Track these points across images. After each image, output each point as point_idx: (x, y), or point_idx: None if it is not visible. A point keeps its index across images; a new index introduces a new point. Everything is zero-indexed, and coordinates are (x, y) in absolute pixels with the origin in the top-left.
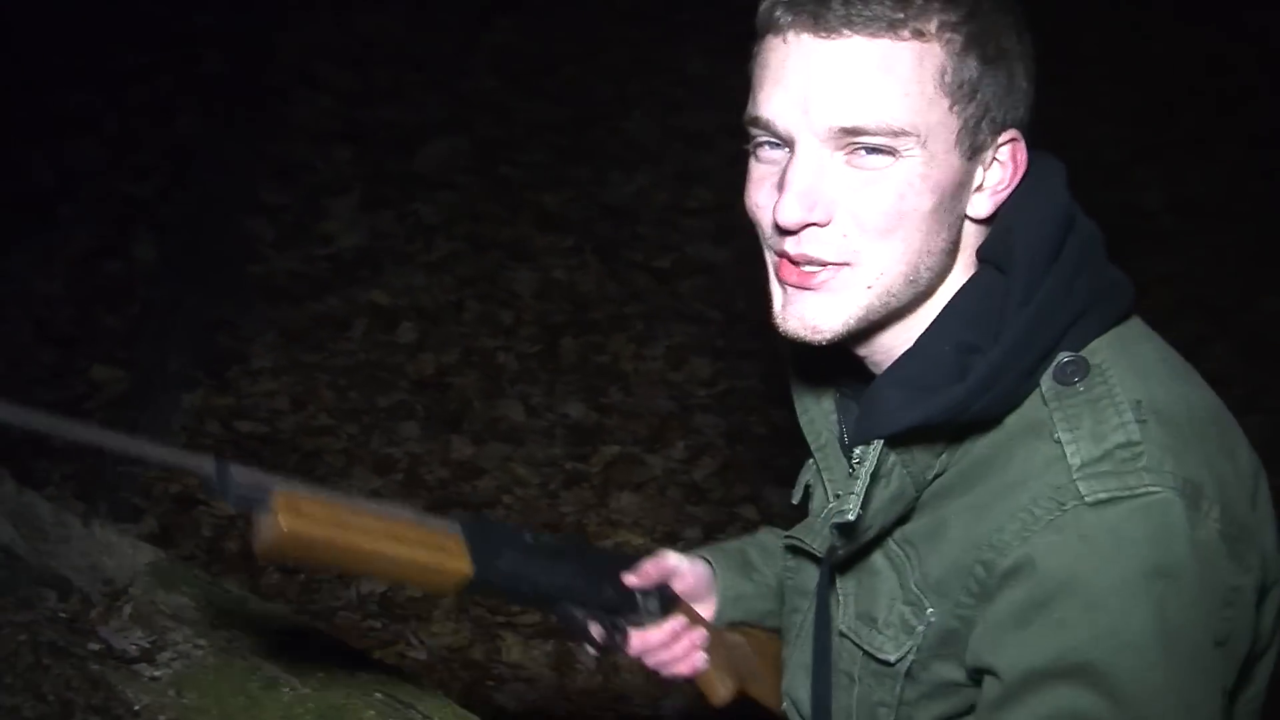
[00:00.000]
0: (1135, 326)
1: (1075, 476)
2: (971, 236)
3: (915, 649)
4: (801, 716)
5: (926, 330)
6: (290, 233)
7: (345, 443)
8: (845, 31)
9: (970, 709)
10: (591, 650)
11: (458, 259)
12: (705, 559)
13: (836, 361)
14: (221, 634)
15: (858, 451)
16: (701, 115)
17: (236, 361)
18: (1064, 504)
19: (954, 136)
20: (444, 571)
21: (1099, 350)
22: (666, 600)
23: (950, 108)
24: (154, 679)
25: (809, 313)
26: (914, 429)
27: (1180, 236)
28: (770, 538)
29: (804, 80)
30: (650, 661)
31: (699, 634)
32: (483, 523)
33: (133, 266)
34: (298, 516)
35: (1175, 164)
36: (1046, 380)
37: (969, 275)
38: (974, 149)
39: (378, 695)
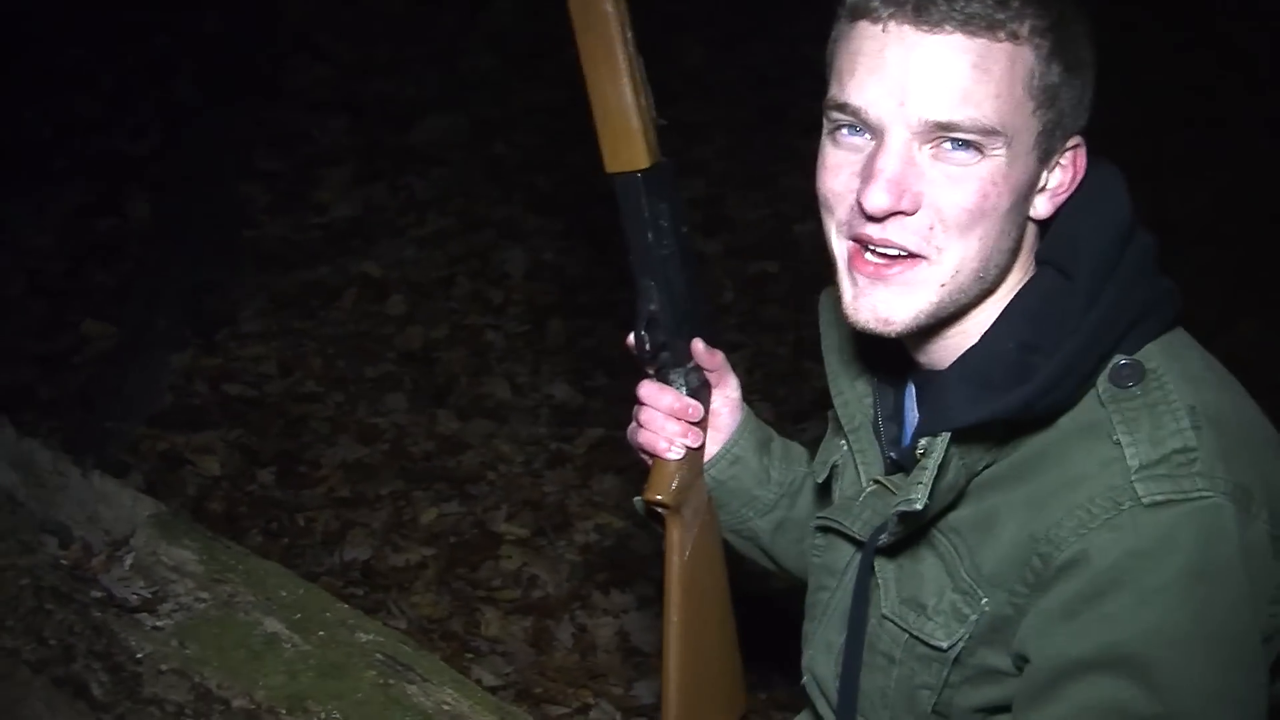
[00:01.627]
0: (1181, 335)
1: (1133, 478)
2: (1031, 236)
3: (966, 636)
4: (823, 693)
5: (990, 328)
6: (284, 200)
7: (331, 410)
8: (947, 27)
9: (1007, 700)
10: (630, 342)
11: (449, 235)
12: (746, 409)
13: (876, 349)
14: (224, 588)
15: (924, 442)
16: (697, 107)
17: (226, 324)
18: (1121, 504)
19: (1034, 139)
20: (630, 147)
21: (1152, 356)
22: (701, 388)
23: (1034, 111)
24: (156, 629)
25: (881, 305)
26: (979, 424)
27: (1165, 257)
28: (800, 449)
29: (902, 71)
30: (642, 416)
31: (697, 434)
32: (675, 176)
33: (126, 224)
34: None
35: (1162, 186)
36: (1103, 382)
37: (1027, 276)
38: (1047, 152)
39: (378, 656)
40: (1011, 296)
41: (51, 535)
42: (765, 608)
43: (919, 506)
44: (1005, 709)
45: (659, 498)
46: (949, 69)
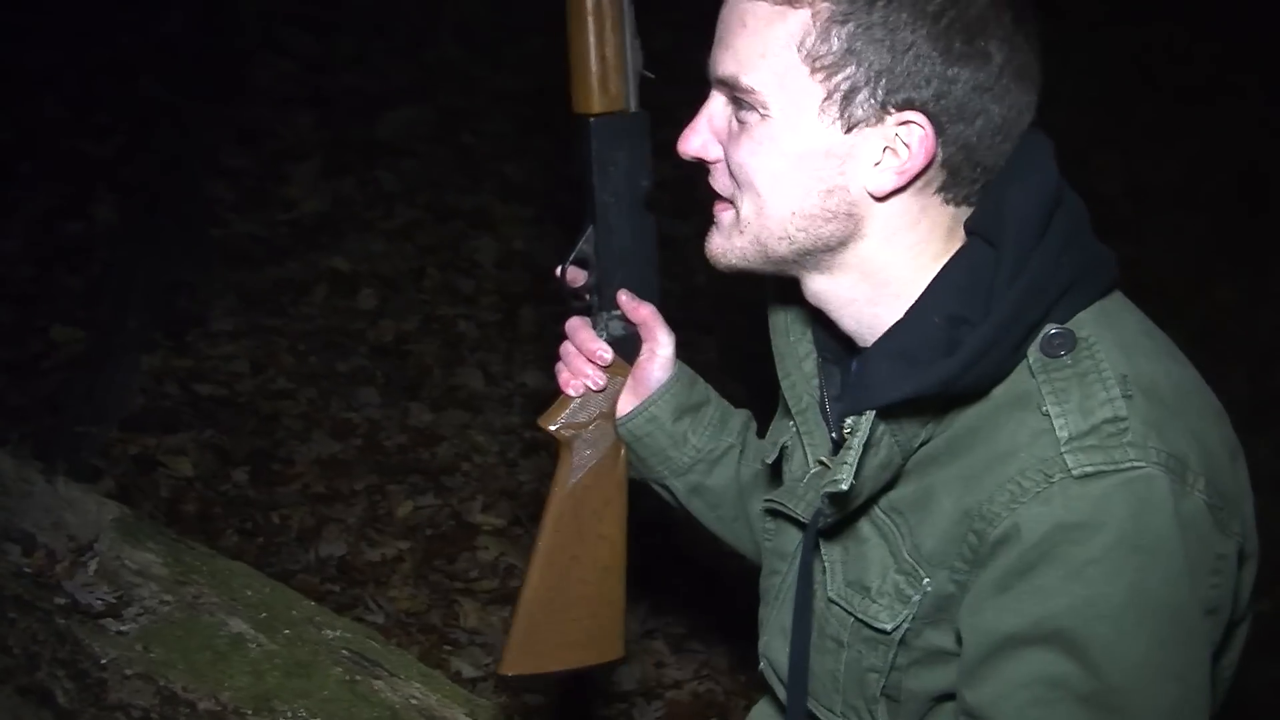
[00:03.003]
0: (1117, 300)
1: (1063, 450)
2: (891, 213)
3: (911, 617)
4: (779, 678)
5: (916, 302)
6: (251, 197)
7: (304, 407)
8: None
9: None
10: (557, 274)
11: (419, 227)
12: (678, 370)
13: (820, 328)
14: (188, 590)
15: (849, 421)
16: (665, 89)
17: (196, 324)
18: (1051, 476)
19: (817, 105)
20: (585, 91)
21: (1084, 324)
22: (628, 339)
23: (811, 75)
24: (121, 633)
25: (710, 242)
26: (906, 401)
27: (1137, 223)
28: (739, 420)
29: (715, 31)
30: (561, 348)
31: (600, 378)
32: (645, 128)
33: (93, 226)
34: None
35: (1134, 152)
36: (1034, 352)
37: (953, 250)
38: (849, 123)
39: (344, 653)
40: (939, 268)
41: (14, 543)
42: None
43: (844, 487)
44: (954, 697)
45: (549, 426)
46: (728, 27)
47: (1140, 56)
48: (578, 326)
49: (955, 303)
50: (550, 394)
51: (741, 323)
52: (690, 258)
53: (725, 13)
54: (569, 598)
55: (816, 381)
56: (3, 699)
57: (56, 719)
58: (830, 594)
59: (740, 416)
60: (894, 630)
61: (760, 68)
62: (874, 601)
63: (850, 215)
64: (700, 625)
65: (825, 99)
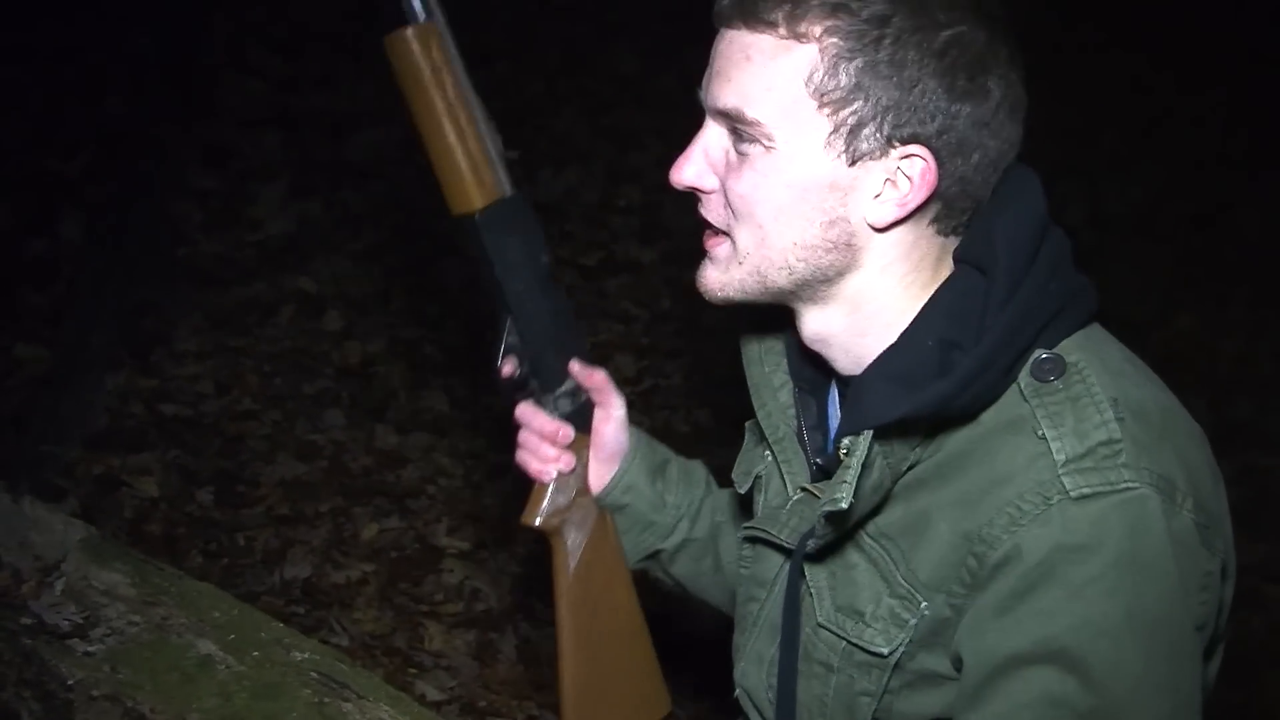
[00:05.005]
0: (1099, 330)
1: (1060, 472)
2: (888, 243)
3: (907, 641)
4: (755, 705)
5: (909, 327)
6: (218, 217)
7: (269, 428)
8: (735, 22)
9: (947, 709)
10: (492, 372)
11: (385, 249)
12: (634, 431)
13: (798, 357)
14: (156, 611)
15: (846, 442)
16: (632, 115)
17: (161, 344)
18: (1050, 499)
19: (823, 139)
20: (461, 191)
21: (1071, 350)
22: (578, 411)
23: (819, 109)
24: (88, 654)
25: (704, 275)
26: (901, 422)
27: (1101, 252)
28: (700, 470)
29: (710, 64)
30: (519, 438)
31: (569, 458)
32: (527, 207)
33: (58, 244)
34: (424, 47)
35: (1097, 182)
36: (1024, 377)
37: (941, 278)
38: (854, 156)
39: (313, 674)
40: (927, 297)
41: None
42: (692, 623)
43: (844, 505)
44: None
45: (534, 523)
46: (730, 61)
47: (1102, 86)
48: (531, 413)
49: (947, 328)
50: (518, 489)
51: (707, 348)
52: (655, 284)
53: (723, 46)
54: (606, 674)
55: (793, 411)
56: None
57: None
58: (819, 619)
59: (698, 466)
60: (890, 654)
61: (766, 101)
62: (869, 626)
63: (849, 246)
64: (664, 650)
65: (832, 132)
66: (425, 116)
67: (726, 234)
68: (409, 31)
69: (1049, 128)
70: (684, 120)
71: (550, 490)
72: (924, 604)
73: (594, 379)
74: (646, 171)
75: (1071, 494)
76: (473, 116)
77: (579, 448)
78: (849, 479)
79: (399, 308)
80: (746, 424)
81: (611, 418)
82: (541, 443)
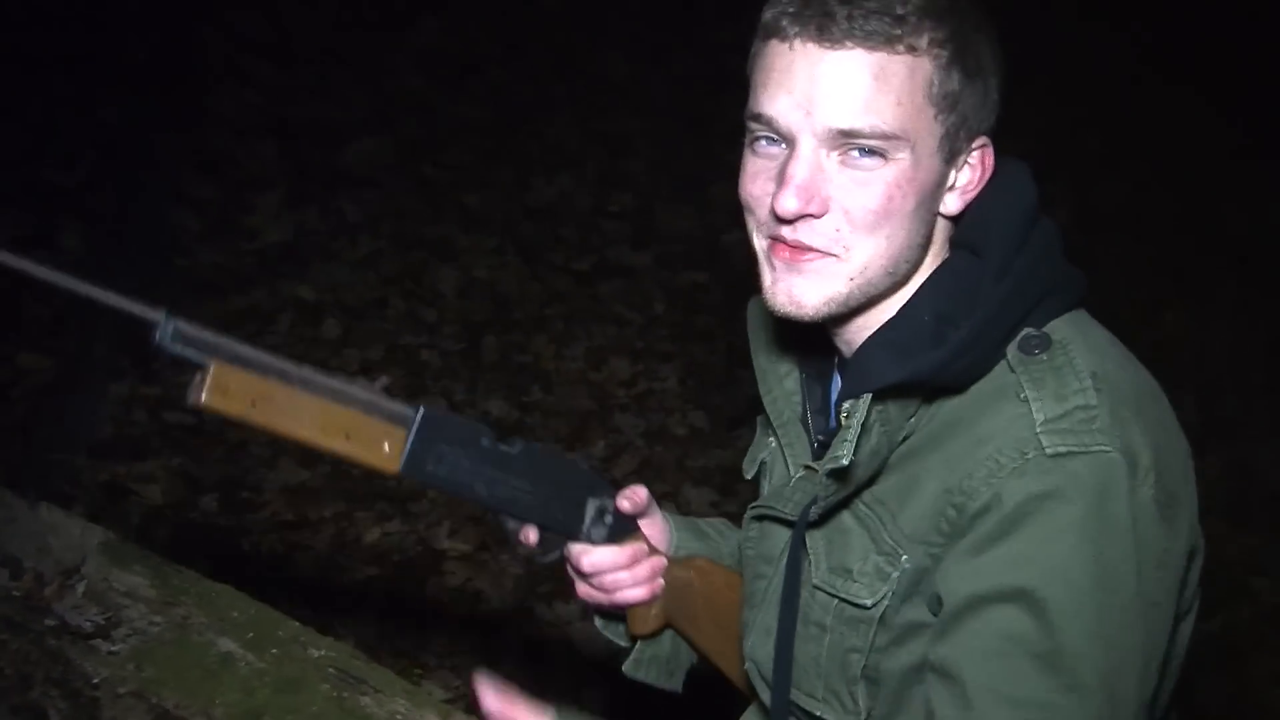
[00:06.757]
0: (1085, 314)
1: (1038, 430)
2: (942, 231)
3: (890, 594)
4: (762, 676)
5: (907, 303)
6: (216, 226)
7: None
8: (848, 43)
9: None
10: (520, 551)
11: (382, 256)
12: (670, 519)
13: (801, 348)
14: (177, 611)
15: (847, 405)
16: (623, 120)
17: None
18: (1026, 453)
19: (937, 143)
20: (366, 464)
21: (1058, 329)
22: (615, 527)
23: (935, 116)
24: (112, 653)
25: (795, 290)
26: (897, 385)
27: (1088, 250)
28: (719, 522)
29: (808, 84)
30: (605, 582)
31: (659, 561)
32: (443, 417)
33: (58, 254)
34: (222, 396)
35: (1083, 180)
36: (1012, 350)
37: (940, 261)
38: (952, 153)
39: (331, 670)
40: (925, 277)
41: (2, 567)
42: None
43: (844, 462)
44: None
45: (649, 629)
46: (851, 81)
47: (1088, 81)
48: (598, 557)
49: (944, 303)
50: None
51: (700, 351)
52: (648, 289)
53: (827, 68)
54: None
55: (798, 397)
56: None
57: None
58: (815, 581)
59: (719, 520)
60: (873, 606)
61: (897, 114)
62: (855, 581)
63: (930, 239)
64: None
65: (943, 136)
66: (288, 435)
67: (830, 253)
68: (204, 393)
69: (1035, 128)
70: (674, 125)
71: (643, 603)
72: (904, 556)
73: (639, 496)
74: (638, 176)
75: (1047, 450)
76: (325, 399)
77: (649, 548)
78: (849, 438)
79: (396, 315)
80: (758, 418)
81: (655, 519)
82: (616, 573)
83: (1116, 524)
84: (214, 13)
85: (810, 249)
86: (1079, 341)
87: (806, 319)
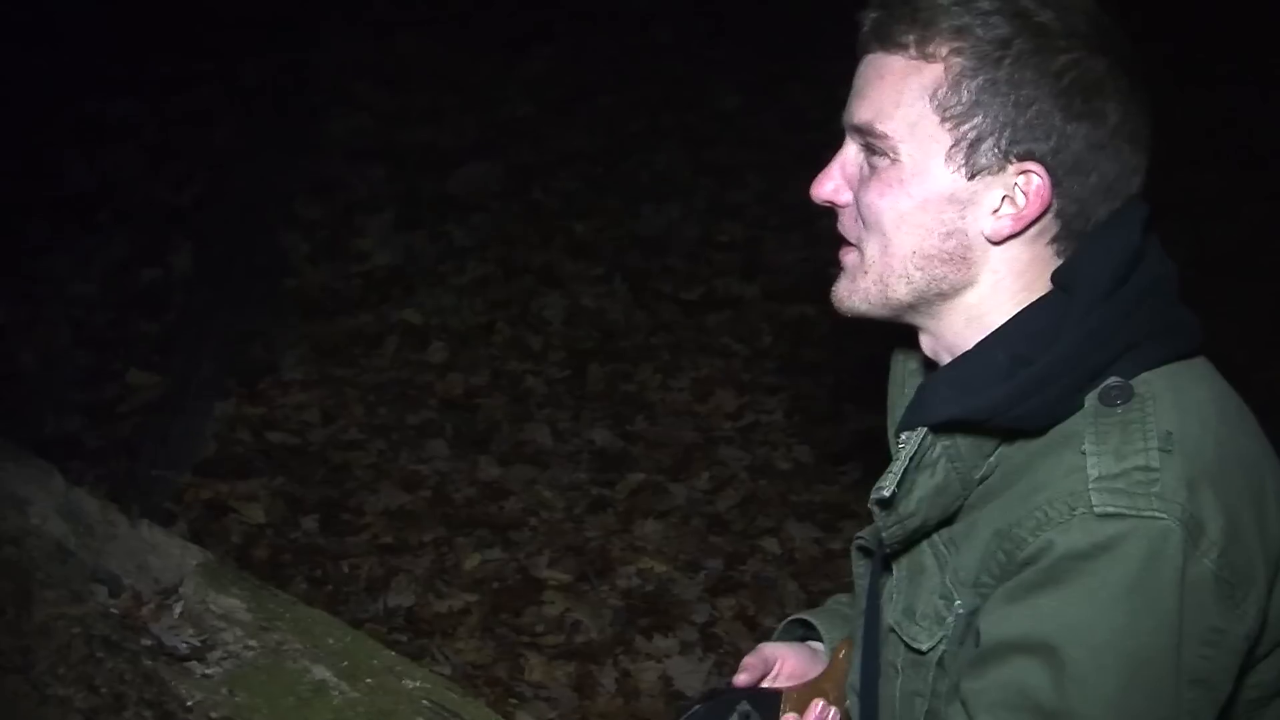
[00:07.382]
0: (1198, 367)
1: (1090, 486)
2: (1005, 263)
3: (945, 639)
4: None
5: (985, 338)
6: (325, 248)
7: (374, 458)
8: (873, 46)
9: None
10: None
11: (489, 282)
12: (800, 626)
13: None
14: (272, 636)
15: (903, 436)
16: (733, 150)
17: (269, 372)
18: (1075, 509)
19: (945, 151)
20: None
21: (1150, 381)
22: (764, 705)
23: (941, 124)
24: (206, 676)
25: (836, 287)
26: (954, 421)
27: (1205, 293)
28: (847, 597)
29: (852, 86)
30: None
31: (835, 714)
32: None
33: (169, 274)
34: None
35: (1201, 220)
36: (1091, 399)
37: (1030, 300)
38: (975, 169)
39: (425, 703)
40: (1011, 315)
41: (101, 584)
42: None
43: (885, 494)
44: None
45: None
46: (866, 80)
47: (1206, 123)
48: None
49: (1023, 343)
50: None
51: (807, 385)
52: (755, 320)
53: (863, 67)
54: None
55: None
56: None
57: None
58: (890, 621)
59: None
60: (929, 650)
61: (894, 115)
62: (916, 624)
63: (965, 259)
64: None
65: (952, 146)
66: None
67: (856, 246)
68: None
69: (1154, 168)
70: (784, 156)
71: None
72: (958, 601)
73: (751, 666)
74: (747, 207)
75: (1096, 509)
76: None
77: (814, 692)
78: (895, 470)
79: (501, 341)
80: None
81: (788, 658)
82: None
83: (1159, 595)
84: (327, 38)
85: (844, 241)
86: (1166, 398)
87: (845, 314)
